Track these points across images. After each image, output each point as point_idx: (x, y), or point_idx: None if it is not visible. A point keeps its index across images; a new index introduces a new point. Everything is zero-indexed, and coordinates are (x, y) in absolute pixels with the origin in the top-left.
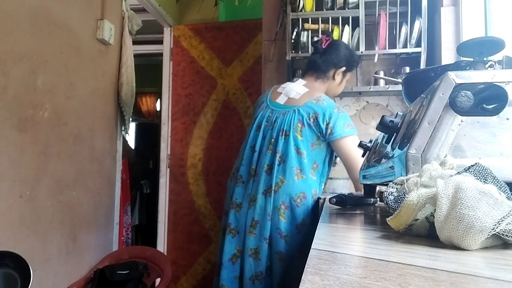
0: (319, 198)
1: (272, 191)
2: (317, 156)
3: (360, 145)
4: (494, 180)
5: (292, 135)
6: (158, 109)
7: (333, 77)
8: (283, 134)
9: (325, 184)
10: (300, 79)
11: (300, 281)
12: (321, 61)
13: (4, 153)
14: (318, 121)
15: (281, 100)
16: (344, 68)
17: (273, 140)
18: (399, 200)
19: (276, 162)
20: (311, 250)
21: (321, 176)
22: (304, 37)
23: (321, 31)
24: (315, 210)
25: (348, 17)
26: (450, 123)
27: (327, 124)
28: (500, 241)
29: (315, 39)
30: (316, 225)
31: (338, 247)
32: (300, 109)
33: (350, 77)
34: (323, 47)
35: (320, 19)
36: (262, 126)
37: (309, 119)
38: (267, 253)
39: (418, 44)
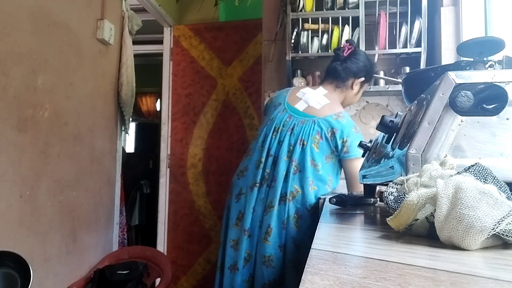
0: (319, 198)
1: (287, 200)
2: (330, 169)
3: (360, 145)
4: (494, 180)
5: (309, 146)
6: (158, 109)
7: (351, 87)
8: (301, 143)
9: None
10: (320, 87)
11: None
12: (341, 69)
13: (4, 153)
14: (336, 136)
15: (300, 106)
16: (363, 79)
17: (291, 147)
18: (399, 200)
19: (292, 171)
20: (311, 250)
21: (333, 188)
22: (304, 37)
23: (346, 40)
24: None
25: (348, 17)
26: (450, 123)
27: (343, 142)
28: (500, 241)
29: (343, 43)
30: (316, 225)
31: (338, 247)
32: (320, 121)
33: None
34: (345, 55)
35: (320, 19)
36: (279, 130)
37: (327, 133)
38: (282, 261)
39: (418, 44)
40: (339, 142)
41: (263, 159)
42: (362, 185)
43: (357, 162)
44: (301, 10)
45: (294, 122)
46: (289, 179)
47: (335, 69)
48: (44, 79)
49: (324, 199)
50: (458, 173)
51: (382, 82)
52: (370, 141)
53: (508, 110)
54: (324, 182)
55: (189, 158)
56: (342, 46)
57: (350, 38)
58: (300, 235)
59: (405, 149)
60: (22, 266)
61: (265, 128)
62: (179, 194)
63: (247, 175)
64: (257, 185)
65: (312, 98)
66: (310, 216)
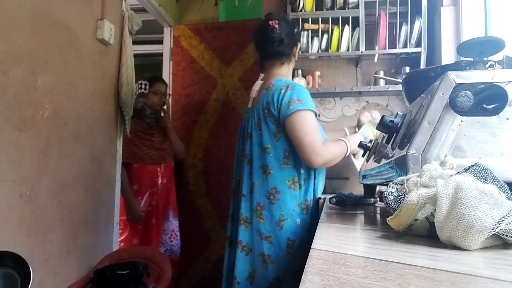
0: (319, 198)
1: (248, 195)
2: (285, 143)
3: (360, 145)
4: (494, 180)
5: (254, 134)
6: None
7: (293, 56)
8: (249, 137)
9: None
10: (261, 74)
11: (293, 277)
12: (285, 46)
13: (4, 153)
14: (271, 111)
15: (249, 104)
16: (299, 43)
17: (244, 146)
18: (399, 200)
19: (248, 167)
20: (311, 250)
21: (298, 160)
22: (304, 37)
23: (266, 16)
24: (300, 199)
25: (348, 17)
26: (450, 123)
27: (278, 109)
28: (500, 241)
29: (269, 21)
30: (306, 218)
31: (338, 247)
32: (257, 105)
33: (350, 77)
34: (279, 32)
35: (320, 19)
36: (241, 137)
37: (265, 111)
38: (250, 258)
39: (418, 44)
40: (276, 113)
41: (235, 169)
42: (318, 145)
43: (289, 120)
44: (301, 10)
45: (246, 122)
46: (247, 175)
47: (279, 52)
48: (44, 79)
49: (324, 199)
50: (458, 173)
51: (382, 82)
52: (370, 141)
53: (508, 110)
54: (279, 160)
55: (189, 158)
56: (272, 27)
57: (350, 38)
58: (267, 226)
59: (405, 149)
60: (22, 266)
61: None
62: (179, 194)
63: (232, 189)
64: (232, 194)
65: (253, 90)
66: (274, 203)
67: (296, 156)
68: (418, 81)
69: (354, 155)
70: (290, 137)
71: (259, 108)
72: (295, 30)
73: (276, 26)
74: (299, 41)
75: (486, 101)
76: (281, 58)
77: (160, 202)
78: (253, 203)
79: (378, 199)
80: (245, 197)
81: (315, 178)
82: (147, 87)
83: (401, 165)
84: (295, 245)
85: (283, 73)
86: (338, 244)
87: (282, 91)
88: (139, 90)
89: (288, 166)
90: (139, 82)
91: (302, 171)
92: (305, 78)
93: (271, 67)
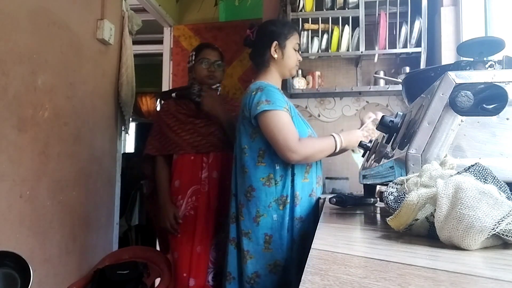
0: (319, 198)
1: (235, 194)
2: (260, 142)
3: (360, 145)
4: (494, 180)
5: (237, 137)
6: (158, 109)
7: (272, 56)
8: (235, 140)
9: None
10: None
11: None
12: (256, 52)
13: (4, 153)
14: (245, 113)
15: None
16: (275, 42)
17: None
18: (399, 200)
19: (234, 168)
20: (311, 250)
21: (273, 158)
22: (304, 37)
23: (248, 29)
24: (277, 195)
25: (348, 17)
26: (450, 123)
27: (250, 110)
28: (500, 241)
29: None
30: (283, 213)
31: (338, 247)
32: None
33: (350, 77)
34: (253, 39)
35: (320, 19)
36: None
37: (242, 114)
38: (236, 254)
39: (418, 44)
40: (248, 114)
41: None
42: (293, 139)
43: (259, 120)
44: (301, 10)
45: None
46: (234, 175)
47: (253, 58)
48: (44, 79)
49: (324, 199)
50: (458, 173)
51: (382, 82)
52: (370, 141)
53: (508, 110)
54: (254, 159)
55: None
56: (247, 35)
57: (350, 38)
58: (246, 223)
59: (405, 149)
60: (22, 266)
61: None
62: None
63: None
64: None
65: None
66: (250, 200)
67: (271, 154)
68: (418, 81)
69: (353, 150)
70: (266, 137)
71: (240, 111)
72: (276, 29)
73: (251, 34)
74: (287, 38)
75: (486, 101)
76: (259, 64)
77: (209, 203)
78: (237, 201)
79: (378, 199)
80: (234, 196)
81: (293, 174)
82: (193, 58)
83: (401, 165)
84: (272, 240)
85: (268, 77)
86: (338, 244)
87: (253, 93)
88: (188, 65)
89: (262, 164)
90: (189, 55)
91: (277, 168)
92: (305, 78)
93: (258, 73)
